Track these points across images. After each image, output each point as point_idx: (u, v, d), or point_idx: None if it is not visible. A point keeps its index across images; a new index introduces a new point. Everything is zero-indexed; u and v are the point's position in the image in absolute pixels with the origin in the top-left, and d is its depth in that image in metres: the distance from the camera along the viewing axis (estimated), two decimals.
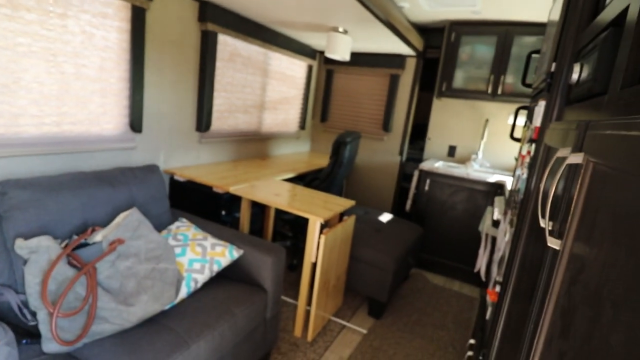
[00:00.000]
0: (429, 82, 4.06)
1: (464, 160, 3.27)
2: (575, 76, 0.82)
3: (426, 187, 2.99)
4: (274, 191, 2.15)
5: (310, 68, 3.72)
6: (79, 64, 1.76)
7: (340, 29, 2.61)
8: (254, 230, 2.40)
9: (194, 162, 2.56)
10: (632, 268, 0.33)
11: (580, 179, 0.52)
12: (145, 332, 1.22)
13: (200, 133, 2.55)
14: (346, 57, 2.70)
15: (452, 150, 3.35)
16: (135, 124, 2.05)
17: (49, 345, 1.09)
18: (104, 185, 1.57)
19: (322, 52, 3.86)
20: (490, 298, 1.44)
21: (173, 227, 1.71)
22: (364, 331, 2.15)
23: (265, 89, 3.18)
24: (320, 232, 1.85)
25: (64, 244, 1.29)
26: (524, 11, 2.52)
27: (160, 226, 1.77)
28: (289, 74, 3.47)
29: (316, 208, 1.93)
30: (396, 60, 3.45)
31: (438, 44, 3.21)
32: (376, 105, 3.67)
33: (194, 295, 1.48)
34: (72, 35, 1.70)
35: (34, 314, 1.19)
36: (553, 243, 0.58)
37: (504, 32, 2.78)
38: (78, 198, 1.45)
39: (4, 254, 1.24)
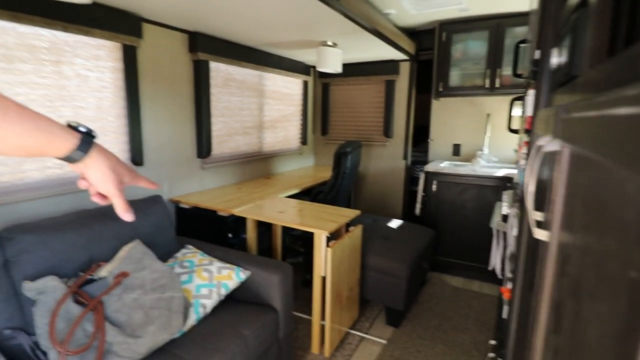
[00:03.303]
0: (426, 83, 4.05)
1: (470, 158, 3.22)
2: (554, 61, 0.81)
3: (434, 189, 2.95)
4: (279, 209, 2.15)
5: (305, 84, 3.77)
6: (77, 106, 1.81)
7: (330, 43, 2.64)
8: (263, 250, 2.39)
9: (198, 188, 2.58)
10: (601, 255, 0.31)
11: (557, 166, 0.51)
12: None
13: (201, 159, 2.58)
14: (338, 70, 2.72)
15: (456, 149, 3.30)
16: (136, 157, 2.09)
17: None
18: (107, 220, 1.59)
19: (315, 67, 3.90)
20: (504, 296, 1.39)
21: (179, 254, 1.72)
22: (384, 341, 2.10)
23: (263, 109, 3.22)
24: (327, 245, 1.83)
25: (70, 282, 1.31)
26: (511, 2, 2.50)
27: (167, 255, 1.78)
28: (285, 92, 3.51)
29: (321, 221, 1.91)
30: (390, 66, 3.46)
31: (430, 45, 3.21)
32: (375, 112, 3.67)
33: (203, 320, 1.48)
34: (68, 80, 1.77)
35: (45, 354, 1.20)
36: (539, 234, 0.56)
37: (494, 25, 2.77)
38: (83, 236, 1.47)
39: (13, 298, 1.27)
